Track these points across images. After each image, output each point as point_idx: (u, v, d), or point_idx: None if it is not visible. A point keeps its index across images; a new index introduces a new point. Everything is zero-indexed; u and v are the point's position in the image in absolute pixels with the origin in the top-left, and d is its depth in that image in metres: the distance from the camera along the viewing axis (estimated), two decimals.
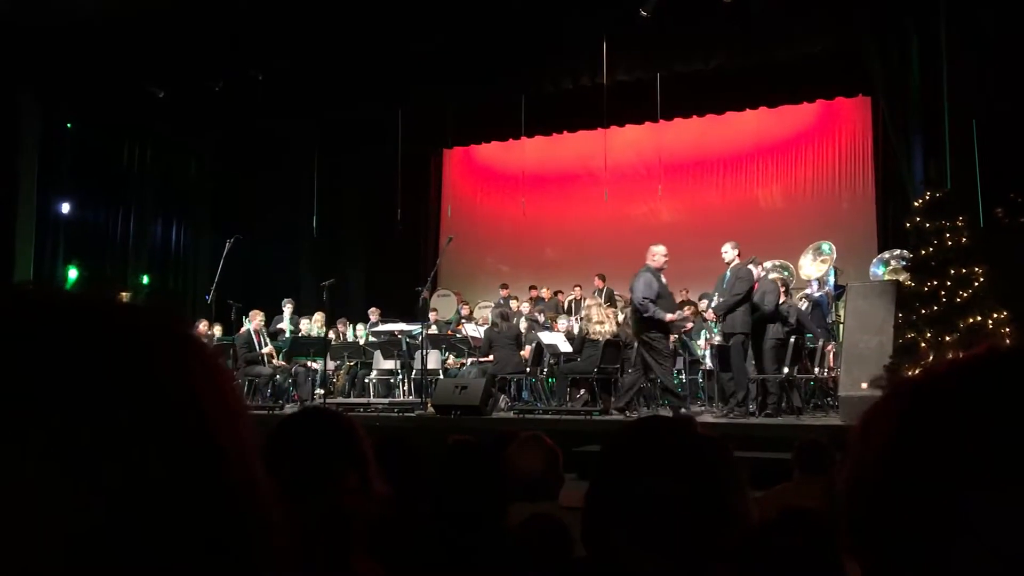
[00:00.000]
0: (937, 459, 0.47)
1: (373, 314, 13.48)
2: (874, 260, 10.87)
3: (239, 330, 11.80)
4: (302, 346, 11.87)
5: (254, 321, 11.54)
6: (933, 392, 0.51)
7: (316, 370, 11.86)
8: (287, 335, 12.49)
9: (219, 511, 0.48)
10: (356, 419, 1.73)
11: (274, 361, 11.55)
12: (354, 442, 1.53)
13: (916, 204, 8.69)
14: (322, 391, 11.72)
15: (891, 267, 10.63)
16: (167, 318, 0.53)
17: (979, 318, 7.67)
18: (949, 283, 7.86)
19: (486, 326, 11.85)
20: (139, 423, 0.47)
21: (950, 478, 0.46)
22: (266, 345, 11.56)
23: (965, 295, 7.79)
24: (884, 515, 0.49)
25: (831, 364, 9.94)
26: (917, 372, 0.54)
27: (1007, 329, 7.68)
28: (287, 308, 13.07)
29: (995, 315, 7.73)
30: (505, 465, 2.79)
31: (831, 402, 9.50)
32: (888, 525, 0.49)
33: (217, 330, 12.37)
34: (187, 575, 0.46)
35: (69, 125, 13.98)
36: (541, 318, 12.46)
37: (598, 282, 13.61)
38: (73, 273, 13.78)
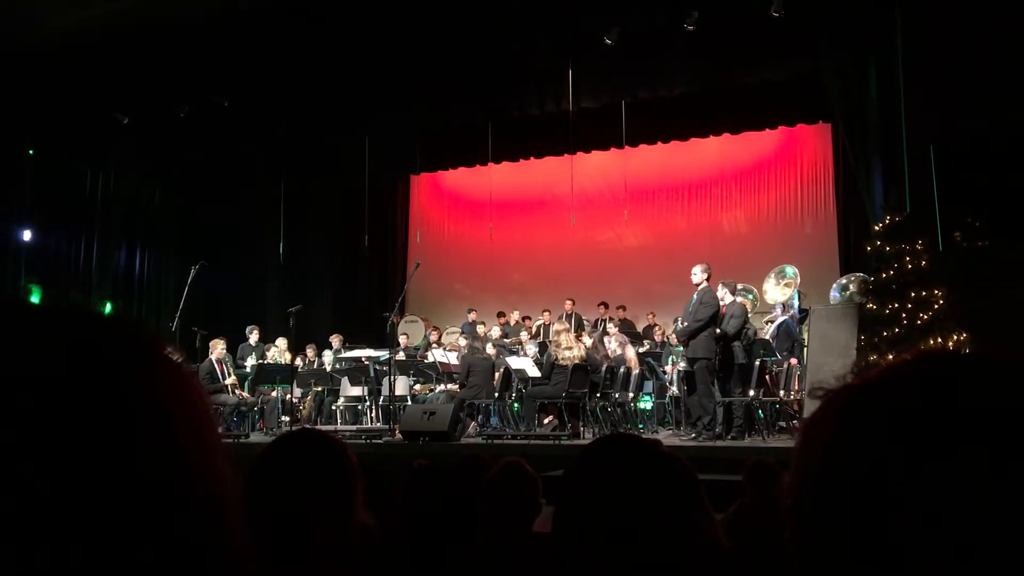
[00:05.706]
0: (877, 458, 0.50)
1: (335, 340, 13.24)
2: (833, 285, 11.02)
3: (204, 358, 11.67)
4: (268, 374, 11.76)
5: (215, 351, 11.40)
6: (868, 396, 0.54)
7: (277, 398, 11.75)
8: (253, 362, 12.37)
9: (182, 544, 0.44)
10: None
11: (237, 392, 11.39)
12: (349, 466, 1.49)
13: (876, 228, 8.85)
14: (288, 419, 11.60)
15: (849, 292, 10.77)
16: (140, 331, 0.47)
17: (939, 340, 7.80)
18: (910, 305, 8.00)
19: (455, 352, 11.80)
20: (94, 450, 0.41)
21: (892, 473, 0.49)
22: (229, 375, 11.41)
23: (925, 317, 7.93)
24: (829, 513, 0.51)
25: (796, 387, 10.02)
26: (850, 379, 0.57)
27: (967, 351, 7.81)
28: (253, 336, 12.93)
29: (955, 337, 7.87)
30: (484, 490, 2.78)
31: (796, 424, 9.57)
32: (832, 521, 0.51)
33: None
34: None
35: (31, 151, 13.82)
36: (525, 337, 12.39)
37: (568, 305, 13.65)
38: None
